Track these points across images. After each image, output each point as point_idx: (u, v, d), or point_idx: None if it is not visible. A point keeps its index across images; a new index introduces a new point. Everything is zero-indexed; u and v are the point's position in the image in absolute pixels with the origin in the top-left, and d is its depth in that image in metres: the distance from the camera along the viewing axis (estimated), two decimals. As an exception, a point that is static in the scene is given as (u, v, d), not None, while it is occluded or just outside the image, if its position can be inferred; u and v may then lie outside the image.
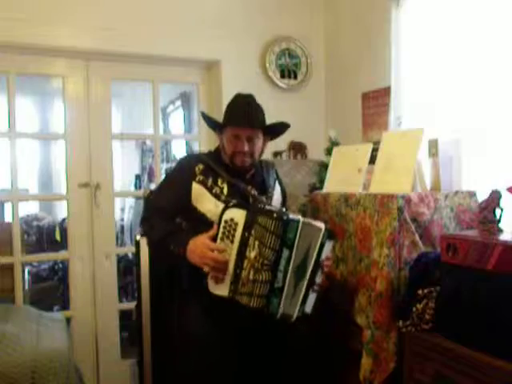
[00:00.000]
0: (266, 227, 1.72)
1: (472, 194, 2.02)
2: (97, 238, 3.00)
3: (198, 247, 1.77)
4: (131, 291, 4.01)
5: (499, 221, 1.70)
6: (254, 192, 1.97)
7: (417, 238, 1.87)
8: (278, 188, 2.13)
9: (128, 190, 4.97)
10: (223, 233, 1.75)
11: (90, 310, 3.00)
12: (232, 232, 1.74)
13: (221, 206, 1.84)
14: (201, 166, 1.94)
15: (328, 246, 1.84)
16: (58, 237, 4.61)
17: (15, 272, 2.84)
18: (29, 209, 5.06)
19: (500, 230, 1.68)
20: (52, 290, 4.24)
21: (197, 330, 1.87)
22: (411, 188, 1.95)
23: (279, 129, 2.06)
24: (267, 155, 3.04)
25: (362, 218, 2.02)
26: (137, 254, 2.54)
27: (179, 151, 4.67)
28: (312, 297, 1.84)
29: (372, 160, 2.18)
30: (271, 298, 1.74)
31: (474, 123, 2.19)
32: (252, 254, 1.72)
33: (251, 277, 1.72)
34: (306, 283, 1.80)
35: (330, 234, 1.85)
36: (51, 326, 2.45)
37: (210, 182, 1.93)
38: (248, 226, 1.73)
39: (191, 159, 2.03)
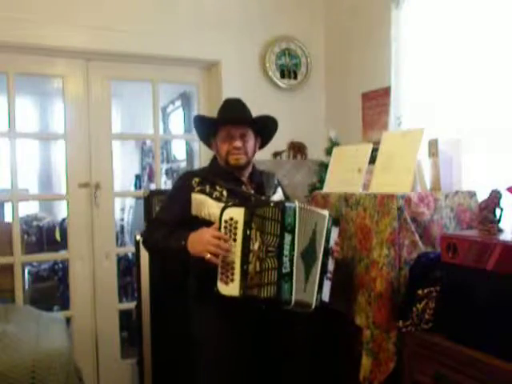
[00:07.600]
0: (265, 216, 1.74)
1: (472, 194, 2.03)
2: (97, 238, 3.00)
3: (202, 234, 1.77)
4: (131, 291, 4.01)
5: (499, 221, 1.69)
6: (251, 191, 2.01)
7: (417, 237, 1.87)
8: (279, 191, 2.16)
9: (128, 189, 4.96)
10: (225, 233, 1.76)
11: (90, 309, 3.00)
12: (233, 230, 1.75)
13: None
14: (197, 179, 1.98)
15: (334, 232, 1.93)
16: (57, 237, 4.60)
17: (15, 272, 2.84)
18: (29, 209, 5.05)
19: (500, 230, 1.68)
20: (52, 290, 4.23)
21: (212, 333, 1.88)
22: (411, 188, 1.95)
23: (269, 127, 2.09)
24: (267, 156, 3.05)
25: (362, 218, 2.02)
26: (137, 253, 2.55)
27: (179, 151, 4.66)
28: (327, 284, 1.89)
29: (372, 160, 2.19)
30: (281, 285, 1.73)
31: (474, 123, 2.19)
32: (256, 245, 1.73)
33: (258, 268, 1.72)
34: (319, 269, 1.85)
35: (335, 221, 1.96)
36: (51, 325, 2.44)
37: (208, 188, 1.96)
38: (248, 222, 1.74)
39: (187, 176, 2.06)
